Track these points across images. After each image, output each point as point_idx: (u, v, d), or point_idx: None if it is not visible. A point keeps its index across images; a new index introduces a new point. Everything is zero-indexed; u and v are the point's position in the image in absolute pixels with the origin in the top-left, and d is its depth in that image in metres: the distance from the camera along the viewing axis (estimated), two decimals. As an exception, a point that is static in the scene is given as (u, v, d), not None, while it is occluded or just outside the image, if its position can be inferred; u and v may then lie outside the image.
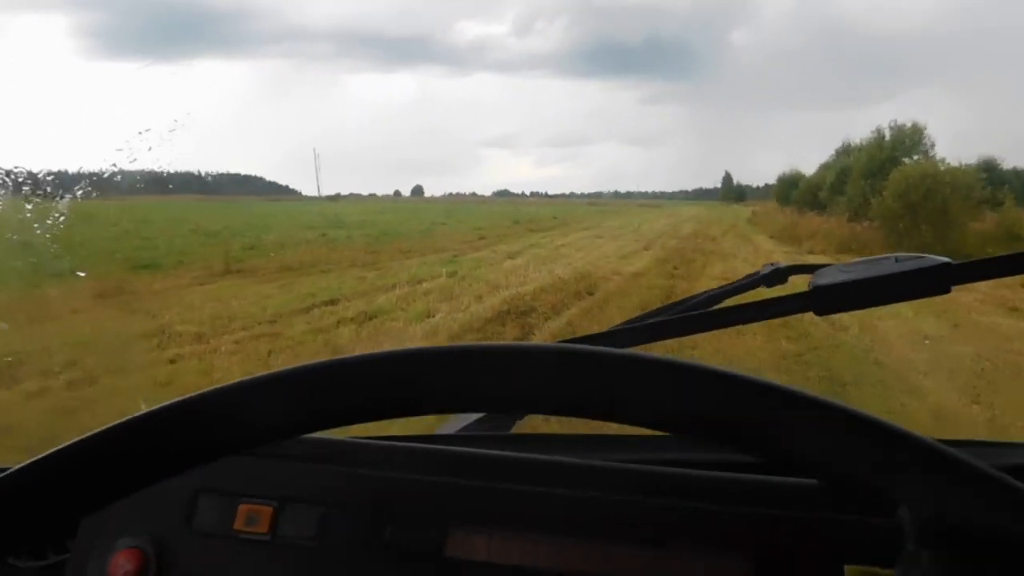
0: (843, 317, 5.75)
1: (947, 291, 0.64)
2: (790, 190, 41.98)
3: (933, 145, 19.39)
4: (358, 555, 0.55)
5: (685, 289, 9.25)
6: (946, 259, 0.65)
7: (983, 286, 6.33)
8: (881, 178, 19.65)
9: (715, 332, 0.85)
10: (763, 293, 0.79)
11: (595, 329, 1.01)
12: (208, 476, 0.58)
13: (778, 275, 0.85)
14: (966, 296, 7.60)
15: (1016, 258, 0.66)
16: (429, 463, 0.60)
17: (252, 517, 0.57)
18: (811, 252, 15.06)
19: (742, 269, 11.23)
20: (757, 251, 15.26)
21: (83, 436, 0.37)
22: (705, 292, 0.92)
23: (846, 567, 0.46)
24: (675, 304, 0.91)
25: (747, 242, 18.24)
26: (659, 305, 0.94)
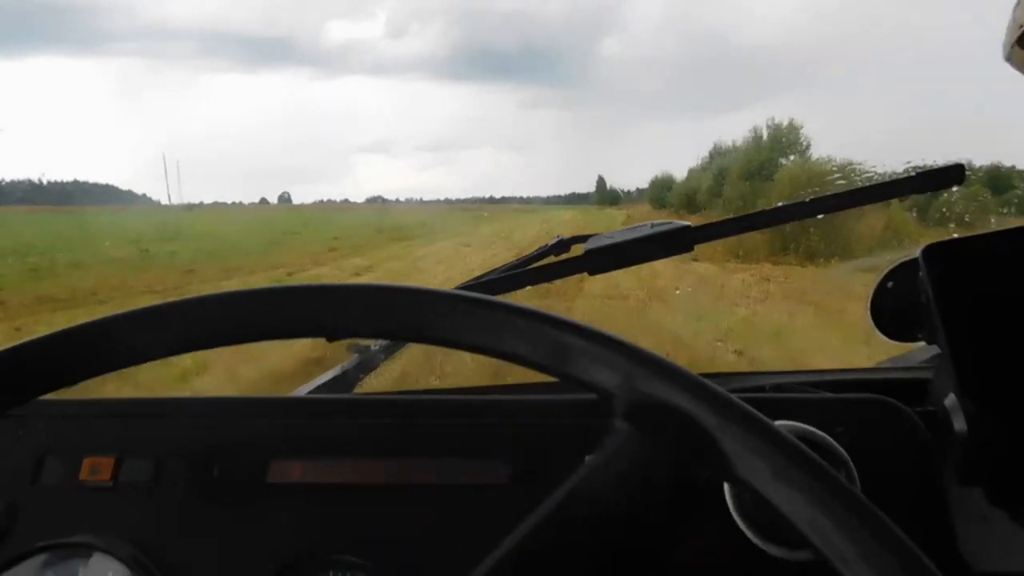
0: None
1: (690, 249, 0.78)
2: (664, 193, 42.14)
3: (809, 145, 18.73)
4: (191, 491, 0.62)
5: (562, 310, 7.49)
6: (687, 223, 0.79)
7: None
8: (760, 179, 18.97)
9: None
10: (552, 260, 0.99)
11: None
12: (53, 439, 0.64)
13: (563, 245, 1.02)
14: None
15: (744, 219, 0.83)
16: (250, 411, 0.67)
17: (95, 468, 0.62)
18: (695, 259, 13.71)
19: (625, 283, 9.59)
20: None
21: None
22: (507, 264, 1.08)
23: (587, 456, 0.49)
24: (481, 275, 0.97)
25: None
26: None
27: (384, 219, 38.12)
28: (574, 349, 0.37)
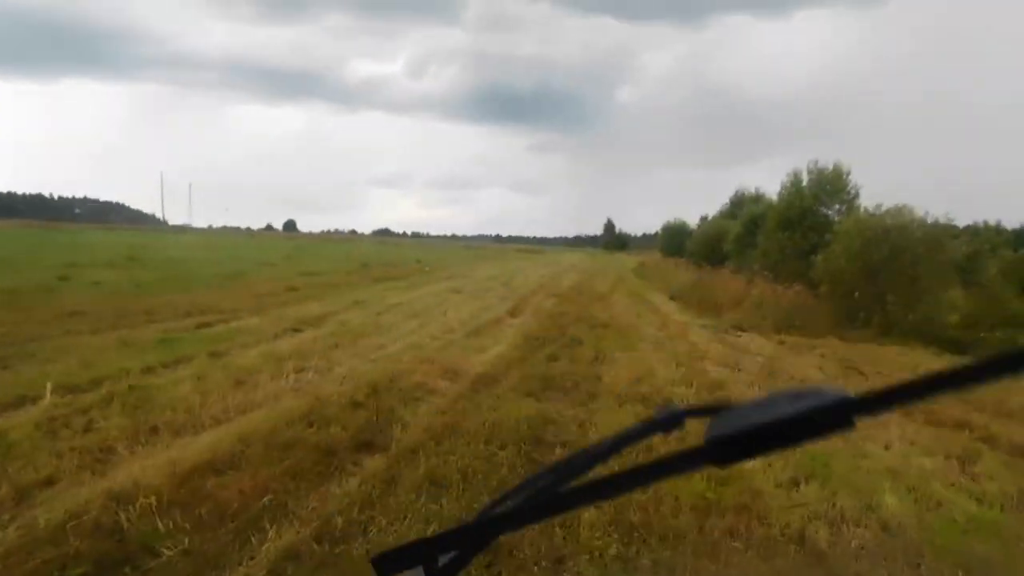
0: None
1: (852, 426, 0.58)
2: (676, 240, 39.52)
3: (858, 193, 15.97)
4: None
5: (576, 418, 4.79)
6: (845, 392, 0.58)
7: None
8: (801, 230, 16.31)
9: None
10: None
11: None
12: None
13: (675, 420, 0.75)
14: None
15: (919, 383, 0.59)
16: None
17: None
18: (740, 328, 10.82)
19: (662, 370, 6.78)
20: (666, 324, 10.90)
21: None
22: (600, 444, 0.76)
23: None
24: (560, 464, 0.75)
25: (647, 307, 13.94)
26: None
27: (380, 254, 35.57)
28: None
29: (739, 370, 7.33)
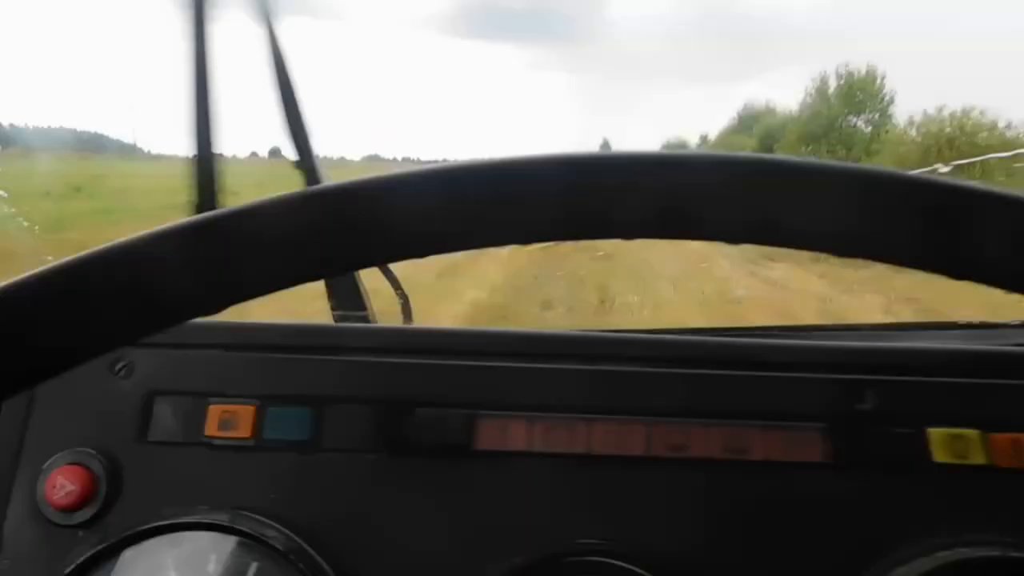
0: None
1: None
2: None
3: (892, 100, 13.96)
4: (365, 457, 0.47)
5: None
6: None
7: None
8: (827, 143, 14.35)
9: None
10: None
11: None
12: (161, 376, 0.49)
13: None
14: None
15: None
16: (443, 346, 0.51)
17: (227, 420, 0.48)
18: (770, 259, 9.02)
19: (685, 319, 5.05)
20: (681, 254, 9.09)
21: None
22: None
23: (931, 430, 0.46)
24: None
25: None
26: None
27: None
28: None
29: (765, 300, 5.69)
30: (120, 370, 0.49)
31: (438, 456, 0.46)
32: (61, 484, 0.46)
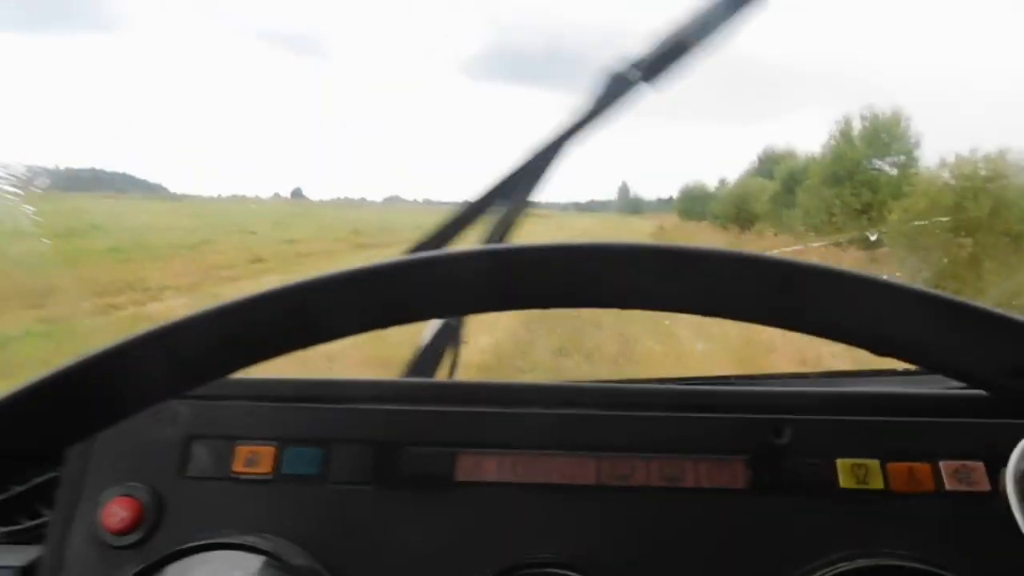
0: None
1: None
2: (697, 203, 37.43)
3: (918, 143, 13.69)
4: (365, 488, 0.55)
5: None
6: None
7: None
8: (851, 186, 14.07)
9: None
10: None
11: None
12: (197, 423, 0.57)
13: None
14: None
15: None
16: (430, 396, 0.60)
17: (252, 459, 0.56)
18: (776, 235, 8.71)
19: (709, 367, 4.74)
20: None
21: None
22: None
23: (838, 460, 0.50)
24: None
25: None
26: None
27: (383, 219, 33.82)
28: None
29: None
30: (165, 418, 0.57)
31: (425, 486, 0.55)
32: (115, 512, 0.54)
